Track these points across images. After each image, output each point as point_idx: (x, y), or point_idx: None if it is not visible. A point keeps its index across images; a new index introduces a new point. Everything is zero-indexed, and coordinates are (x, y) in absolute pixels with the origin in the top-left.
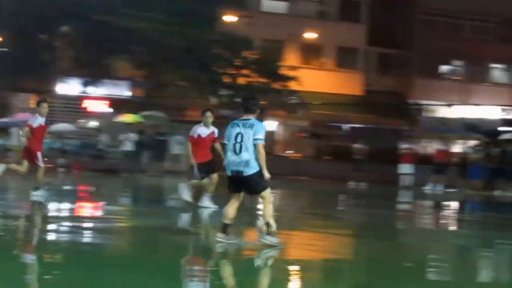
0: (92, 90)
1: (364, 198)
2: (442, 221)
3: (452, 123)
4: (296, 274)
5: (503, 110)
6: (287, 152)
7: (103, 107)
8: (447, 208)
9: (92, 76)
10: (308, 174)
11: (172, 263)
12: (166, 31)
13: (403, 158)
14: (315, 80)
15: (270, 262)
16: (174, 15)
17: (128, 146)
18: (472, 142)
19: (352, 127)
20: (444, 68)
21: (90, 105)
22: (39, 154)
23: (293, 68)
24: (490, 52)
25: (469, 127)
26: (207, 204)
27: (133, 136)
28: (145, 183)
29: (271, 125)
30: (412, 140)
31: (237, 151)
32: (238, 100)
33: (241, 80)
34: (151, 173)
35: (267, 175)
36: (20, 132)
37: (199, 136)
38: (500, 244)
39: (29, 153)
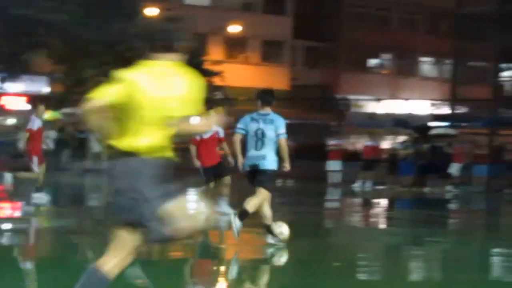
0: (9, 86)
1: (291, 195)
2: (371, 219)
3: (381, 118)
4: (223, 274)
5: (433, 104)
6: None
7: (22, 103)
8: (376, 205)
9: (9, 71)
10: (234, 171)
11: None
12: (85, 24)
13: (331, 155)
14: (240, 74)
15: (190, 264)
16: (93, 8)
17: (48, 144)
18: (401, 138)
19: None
20: (372, 61)
21: (8, 102)
22: (35, 158)
23: (217, 62)
24: (419, 45)
25: (398, 122)
26: (225, 210)
27: (53, 133)
28: (65, 181)
29: (195, 121)
30: (340, 136)
31: (258, 147)
32: None
33: None
34: (72, 172)
35: (288, 166)
36: (19, 137)
37: (201, 137)
38: (430, 241)
39: (28, 156)
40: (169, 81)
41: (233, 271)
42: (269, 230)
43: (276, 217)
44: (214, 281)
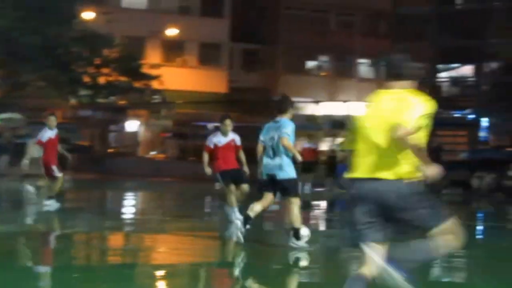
0: None
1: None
2: (311, 221)
3: (319, 120)
4: (162, 279)
5: None
6: (150, 153)
7: None
8: (315, 207)
9: None
10: (172, 175)
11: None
12: (22, 28)
13: None
14: (178, 78)
15: (136, 268)
16: (30, 12)
17: None
18: (340, 140)
19: (217, 126)
20: (310, 63)
21: None
22: (54, 166)
23: (155, 66)
24: (357, 46)
25: (336, 124)
26: (235, 216)
27: None
28: (2, 188)
29: (133, 125)
30: None
31: (271, 155)
32: (99, 100)
33: (102, 80)
34: (10, 178)
35: (299, 157)
36: (31, 148)
37: (215, 145)
38: None
39: (45, 167)
40: (410, 108)
41: (183, 275)
42: (246, 222)
43: (216, 222)
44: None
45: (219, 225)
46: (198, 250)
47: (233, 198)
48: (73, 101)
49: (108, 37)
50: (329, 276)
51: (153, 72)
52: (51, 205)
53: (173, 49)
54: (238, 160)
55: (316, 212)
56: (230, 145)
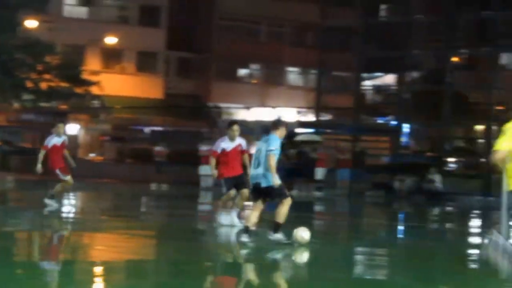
0: None
1: (166, 199)
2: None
3: (250, 125)
4: (99, 275)
5: (299, 112)
6: (90, 155)
7: None
8: (246, 208)
9: None
10: (111, 176)
11: None
12: None
13: (203, 160)
14: (116, 84)
15: (74, 264)
16: None
17: None
18: None
19: (153, 130)
20: (242, 71)
21: None
22: (57, 170)
23: (95, 72)
24: (287, 56)
25: (266, 129)
26: (235, 221)
27: None
28: None
29: (73, 129)
30: (211, 142)
31: (256, 165)
32: (41, 104)
33: (44, 85)
34: None
35: (277, 181)
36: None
37: (223, 150)
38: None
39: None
40: None
41: (119, 272)
42: (246, 231)
43: (151, 221)
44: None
45: (154, 224)
46: (134, 248)
47: (231, 202)
48: (16, 105)
49: (50, 44)
50: (256, 274)
51: (93, 78)
52: (52, 204)
53: (112, 57)
54: (243, 164)
55: (246, 211)
56: (237, 150)
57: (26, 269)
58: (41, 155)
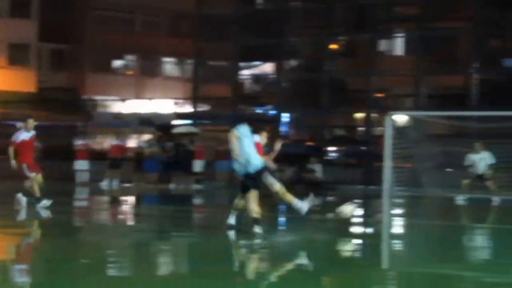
0: None
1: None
2: (119, 216)
3: (126, 117)
4: None
5: (176, 103)
6: None
7: None
8: (124, 203)
9: None
10: None
11: None
12: None
13: (78, 154)
14: None
15: None
16: None
17: None
18: (147, 136)
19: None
20: (117, 63)
21: None
22: (24, 165)
23: None
24: (162, 46)
25: (143, 121)
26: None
27: None
28: None
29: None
30: (86, 136)
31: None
32: None
33: None
34: None
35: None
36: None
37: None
38: (176, 236)
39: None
40: None
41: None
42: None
43: (23, 219)
44: None
45: (29, 222)
46: (5, 246)
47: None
48: None
49: None
50: (137, 269)
51: None
52: (44, 205)
53: None
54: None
55: (124, 207)
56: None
57: None
58: (10, 151)
